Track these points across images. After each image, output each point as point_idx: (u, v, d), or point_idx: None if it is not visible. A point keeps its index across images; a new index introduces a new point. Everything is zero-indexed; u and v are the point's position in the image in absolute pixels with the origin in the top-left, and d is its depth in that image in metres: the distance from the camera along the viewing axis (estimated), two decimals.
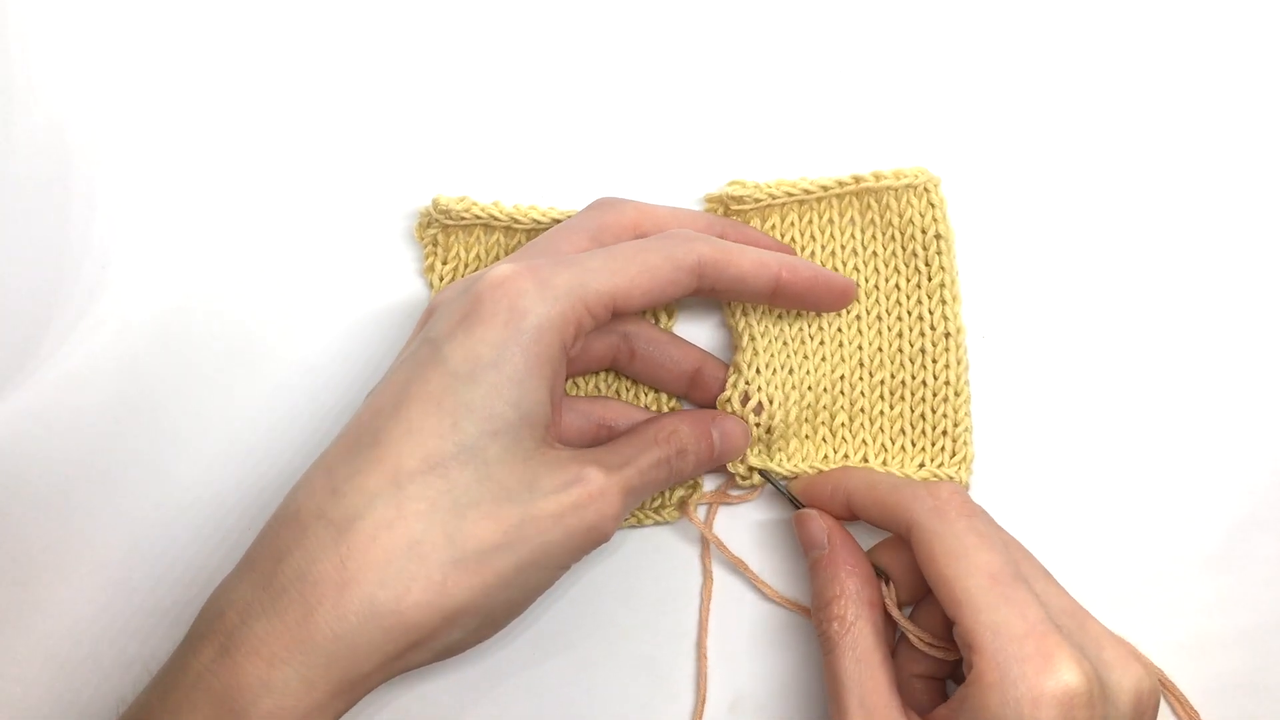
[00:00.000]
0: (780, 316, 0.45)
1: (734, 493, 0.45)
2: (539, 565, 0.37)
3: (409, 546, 0.35)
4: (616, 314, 0.38)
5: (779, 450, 0.44)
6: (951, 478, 0.44)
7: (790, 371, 0.45)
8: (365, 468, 0.35)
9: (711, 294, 0.41)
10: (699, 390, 0.44)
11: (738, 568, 0.45)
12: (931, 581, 0.38)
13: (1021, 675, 0.35)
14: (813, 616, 0.41)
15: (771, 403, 0.44)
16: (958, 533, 0.38)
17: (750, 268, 0.40)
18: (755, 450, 0.44)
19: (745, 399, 0.44)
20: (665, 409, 0.45)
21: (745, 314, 0.45)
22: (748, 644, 0.45)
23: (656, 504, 0.45)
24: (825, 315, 0.45)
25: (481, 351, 0.36)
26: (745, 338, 0.44)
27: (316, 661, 0.34)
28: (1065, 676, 0.35)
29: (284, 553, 0.35)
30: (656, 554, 0.45)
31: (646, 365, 0.44)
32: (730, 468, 0.44)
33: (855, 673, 0.39)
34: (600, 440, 0.43)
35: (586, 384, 0.46)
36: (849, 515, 0.43)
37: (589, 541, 0.38)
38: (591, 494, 0.37)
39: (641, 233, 0.41)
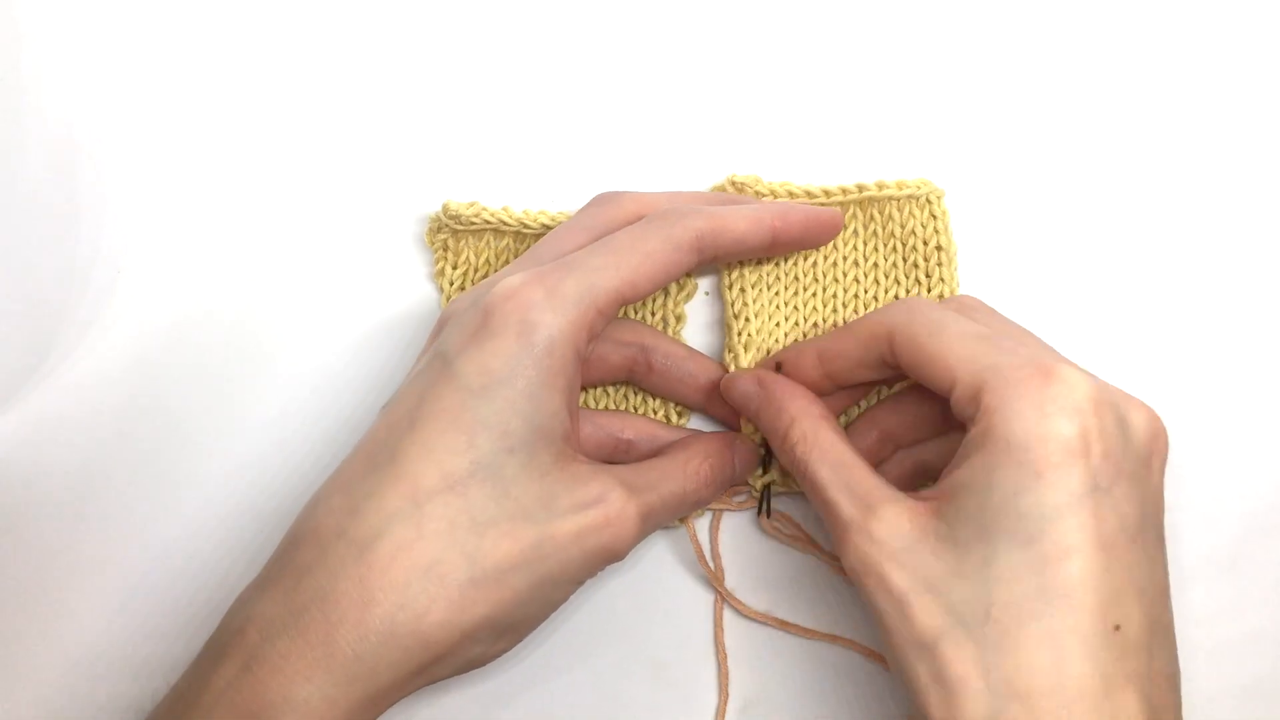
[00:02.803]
0: (779, 324, 0.45)
1: (736, 499, 0.45)
2: (555, 582, 0.37)
3: (428, 567, 0.35)
4: (624, 304, 0.39)
5: None
6: None
7: None
8: (383, 486, 0.36)
9: (714, 261, 0.41)
10: (716, 405, 0.44)
11: (751, 576, 0.45)
12: (920, 368, 0.37)
13: (1028, 391, 0.34)
14: (780, 458, 0.41)
15: None
16: (933, 315, 0.38)
17: (747, 227, 0.40)
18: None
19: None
20: (674, 418, 0.45)
21: (745, 317, 0.45)
22: (759, 648, 0.45)
23: None
24: (820, 327, 0.45)
25: (494, 366, 0.36)
26: (742, 337, 0.45)
27: (338, 679, 0.34)
28: (1074, 386, 0.34)
29: (305, 571, 0.35)
30: (666, 557, 0.46)
31: (664, 379, 0.44)
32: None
33: (834, 475, 0.38)
34: (617, 455, 0.43)
35: (594, 390, 0.46)
36: (828, 383, 0.41)
37: (603, 561, 0.38)
38: (609, 517, 0.37)
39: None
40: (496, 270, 0.45)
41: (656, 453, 0.43)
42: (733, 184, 0.46)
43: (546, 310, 0.37)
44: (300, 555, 0.36)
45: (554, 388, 0.37)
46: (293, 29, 0.48)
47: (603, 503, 0.37)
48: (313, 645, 0.34)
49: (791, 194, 0.46)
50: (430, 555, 0.35)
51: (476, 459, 0.36)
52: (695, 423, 0.46)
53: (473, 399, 0.36)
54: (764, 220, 0.40)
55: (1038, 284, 0.47)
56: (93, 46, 0.47)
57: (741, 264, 0.45)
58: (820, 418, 0.40)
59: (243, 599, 0.37)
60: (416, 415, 0.36)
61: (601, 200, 0.42)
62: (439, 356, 0.37)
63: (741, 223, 0.40)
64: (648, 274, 0.38)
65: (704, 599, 0.45)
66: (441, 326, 0.40)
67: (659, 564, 0.45)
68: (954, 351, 0.36)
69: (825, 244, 0.45)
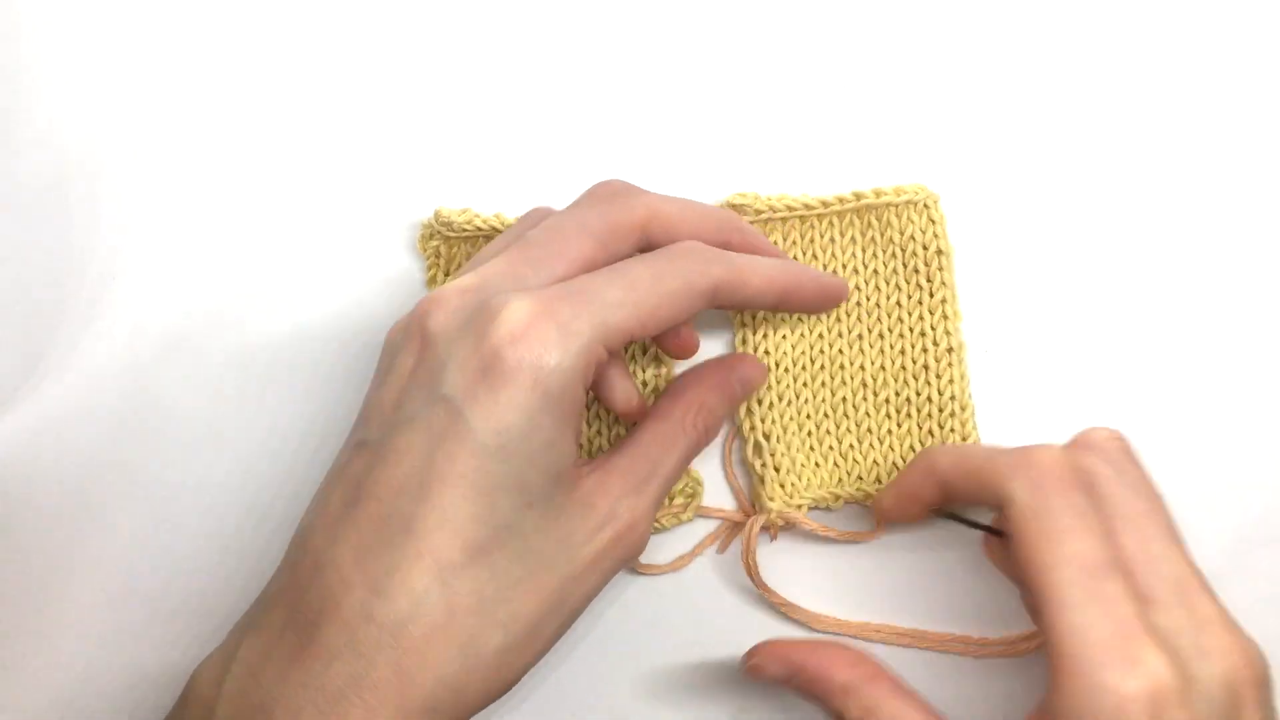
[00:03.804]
0: (784, 337, 0.45)
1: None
2: (577, 612, 0.37)
3: (464, 644, 0.34)
4: (631, 342, 0.38)
5: (790, 483, 0.44)
6: None
7: (789, 403, 0.45)
8: (404, 563, 0.34)
9: (719, 308, 0.40)
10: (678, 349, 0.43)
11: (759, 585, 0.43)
12: (1022, 564, 0.36)
13: (1102, 684, 0.33)
14: None
15: (770, 439, 0.44)
16: (1054, 512, 0.36)
17: (761, 285, 0.40)
18: (769, 488, 0.44)
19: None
20: None
21: (749, 329, 0.45)
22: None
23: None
24: (826, 338, 0.45)
25: (511, 420, 0.34)
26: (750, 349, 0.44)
27: None
28: (1146, 678, 0.33)
29: (334, 654, 0.33)
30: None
31: None
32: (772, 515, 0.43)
33: None
34: None
35: None
36: (941, 499, 0.40)
37: (622, 567, 0.38)
38: (620, 531, 0.37)
39: (649, 234, 0.40)
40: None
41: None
42: (731, 206, 0.45)
43: (559, 351, 0.34)
44: (324, 635, 0.34)
45: (568, 428, 0.36)
46: (285, 37, 0.48)
47: (614, 519, 0.37)
48: None
49: (790, 207, 0.45)
50: (465, 633, 0.34)
51: (498, 524, 0.34)
52: None
53: (491, 461, 0.34)
54: (777, 281, 0.40)
55: (1036, 285, 0.47)
56: (86, 51, 0.48)
57: None
58: (880, 686, 0.38)
59: (251, 670, 0.35)
60: (427, 478, 0.34)
61: (607, 196, 0.40)
62: (442, 401, 0.34)
63: (757, 280, 0.40)
64: (661, 316, 0.37)
65: (699, 603, 0.44)
66: (425, 344, 0.36)
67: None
68: (1052, 580, 0.35)
69: (829, 310, 0.45)
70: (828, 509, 0.44)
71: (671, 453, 0.39)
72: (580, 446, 0.38)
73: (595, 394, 0.41)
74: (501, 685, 0.35)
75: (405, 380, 0.36)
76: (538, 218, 0.41)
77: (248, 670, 0.34)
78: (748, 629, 0.44)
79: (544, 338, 0.34)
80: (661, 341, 0.43)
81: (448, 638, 0.34)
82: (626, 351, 0.45)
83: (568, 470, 0.36)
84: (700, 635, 0.44)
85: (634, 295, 0.36)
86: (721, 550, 0.45)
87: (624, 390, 0.40)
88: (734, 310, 0.45)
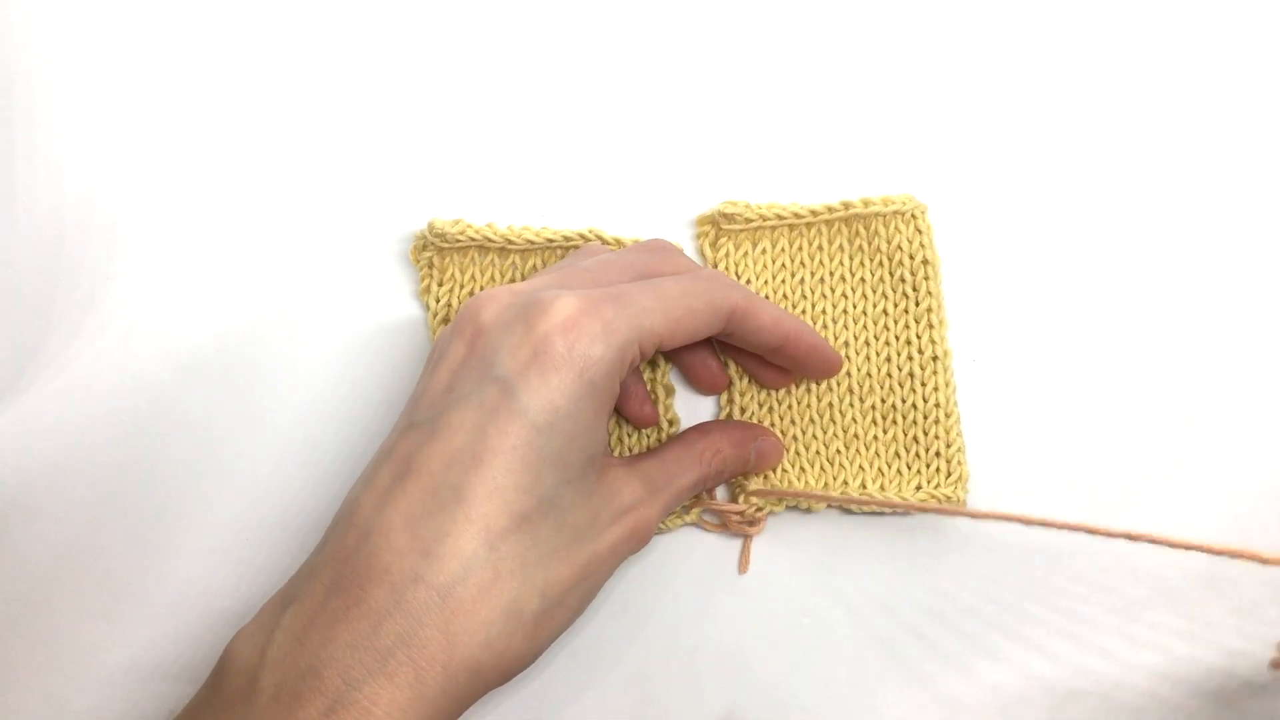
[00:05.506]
0: None
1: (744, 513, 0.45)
2: (595, 590, 0.39)
3: (507, 606, 0.36)
4: (659, 350, 0.40)
5: (780, 484, 0.45)
6: (949, 497, 0.45)
7: (770, 410, 0.46)
8: (455, 528, 0.36)
9: (724, 338, 0.42)
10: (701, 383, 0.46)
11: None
12: None
13: None
14: None
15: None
16: None
17: (769, 322, 0.42)
18: (749, 482, 0.45)
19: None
20: (665, 426, 0.46)
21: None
22: (743, 655, 0.44)
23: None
24: None
25: (559, 403, 0.37)
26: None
27: (426, 716, 0.35)
28: None
29: (383, 615, 0.35)
30: (652, 565, 0.45)
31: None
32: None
33: None
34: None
35: None
36: None
37: (626, 557, 0.41)
38: (636, 523, 0.40)
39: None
40: (482, 287, 0.46)
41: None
42: (722, 215, 0.46)
43: (602, 344, 0.37)
44: (372, 597, 0.35)
45: (603, 416, 0.38)
46: (280, 47, 0.48)
47: (632, 512, 0.40)
48: (401, 689, 0.35)
49: (779, 216, 0.46)
50: (508, 595, 0.36)
51: (541, 495, 0.37)
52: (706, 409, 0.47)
53: (539, 436, 0.37)
54: (783, 324, 0.42)
55: (1023, 294, 0.47)
56: (82, 54, 0.48)
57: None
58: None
59: (296, 636, 0.36)
60: (480, 450, 0.36)
61: (660, 250, 0.43)
62: (496, 381, 0.37)
63: (767, 316, 0.42)
64: (686, 329, 0.40)
65: (684, 606, 0.45)
66: (478, 333, 0.39)
67: (645, 570, 0.45)
68: None
69: (819, 379, 0.46)
70: (808, 510, 0.45)
71: (686, 474, 0.42)
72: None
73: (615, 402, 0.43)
74: (534, 651, 0.37)
75: (457, 366, 0.38)
76: (590, 252, 0.44)
77: (292, 637, 0.36)
78: (744, 628, 0.44)
79: (590, 331, 0.37)
80: (691, 375, 0.45)
81: (492, 600, 0.36)
82: None
83: (599, 456, 0.39)
84: (693, 636, 0.44)
85: (664, 304, 0.39)
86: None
87: (639, 398, 0.44)
88: (736, 344, 0.46)
